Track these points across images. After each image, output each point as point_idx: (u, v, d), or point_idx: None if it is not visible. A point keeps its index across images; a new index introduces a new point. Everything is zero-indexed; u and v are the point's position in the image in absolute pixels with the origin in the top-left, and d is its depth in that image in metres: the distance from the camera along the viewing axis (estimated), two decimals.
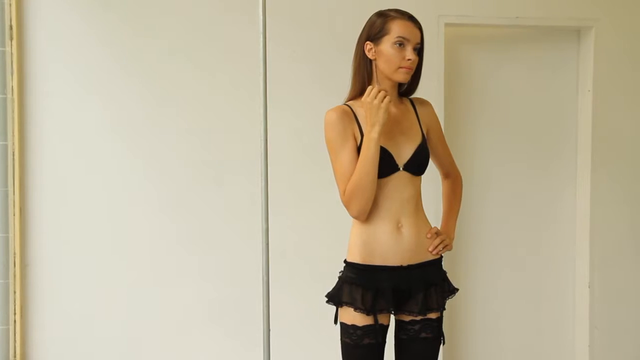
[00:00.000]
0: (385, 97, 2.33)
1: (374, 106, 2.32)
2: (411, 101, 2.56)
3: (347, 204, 2.39)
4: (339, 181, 2.40)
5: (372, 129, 2.33)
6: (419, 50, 2.44)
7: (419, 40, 2.42)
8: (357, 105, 2.44)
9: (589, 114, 4.03)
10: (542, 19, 3.95)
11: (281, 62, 3.49)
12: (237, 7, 3.66)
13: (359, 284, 2.40)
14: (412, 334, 2.44)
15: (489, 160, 4.07)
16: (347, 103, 2.48)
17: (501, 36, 4.08)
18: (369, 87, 2.38)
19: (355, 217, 2.41)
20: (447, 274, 2.55)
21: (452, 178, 2.70)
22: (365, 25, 2.48)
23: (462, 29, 3.96)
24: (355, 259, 2.43)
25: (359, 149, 2.38)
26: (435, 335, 2.45)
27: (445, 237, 2.51)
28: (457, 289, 2.53)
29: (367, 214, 2.39)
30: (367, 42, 2.44)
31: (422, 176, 2.50)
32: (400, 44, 2.38)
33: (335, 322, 2.47)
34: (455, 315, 4.00)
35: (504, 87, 4.07)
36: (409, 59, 2.38)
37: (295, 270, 3.72)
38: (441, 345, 2.49)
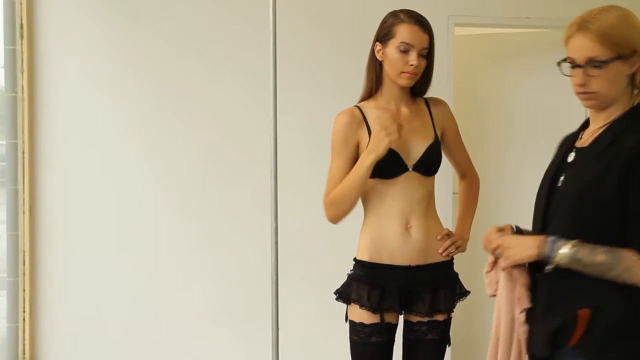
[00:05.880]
0: (394, 131, 2.28)
1: (380, 135, 2.30)
2: (426, 101, 2.52)
3: (325, 206, 2.44)
4: (328, 182, 2.44)
5: (368, 156, 2.31)
6: (427, 55, 2.39)
7: (425, 45, 2.36)
8: (368, 107, 2.42)
9: None
10: (552, 19, 3.92)
11: (288, 63, 3.49)
12: (244, 7, 3.66)
13: (365, 282, 2.40)
14: (419, 335, 2.44)
15: (497, 161, 4.05)
16: (358, 104, 2.47)
17: (511, 36, 4.06)
18: (388, 116, 2.34)
19: (329, 220, 2.46)
20: (460, 276, 2.51)
21: (469, 179, 2.66)
22: (379, 24, 2.44)
23: (472, 29, 3.95)
24: (364, 257, 2.43)
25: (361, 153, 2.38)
26: (441, 337, 2.44)
27: (456, 238, 2.48)
28: (469, 292, 2.50)
29: (342, 219, 2.42)
30: (377, 42, 2.41)
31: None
32: (405, 49, 2.34)
33: (347, 320, 2.47)
34: (466, 316, 3.98)
35: (514, 87, 4.06)
36: (411, 64, 2.34)
37: (303, 270, 3.71)
38: (447, 347, 2.47)
